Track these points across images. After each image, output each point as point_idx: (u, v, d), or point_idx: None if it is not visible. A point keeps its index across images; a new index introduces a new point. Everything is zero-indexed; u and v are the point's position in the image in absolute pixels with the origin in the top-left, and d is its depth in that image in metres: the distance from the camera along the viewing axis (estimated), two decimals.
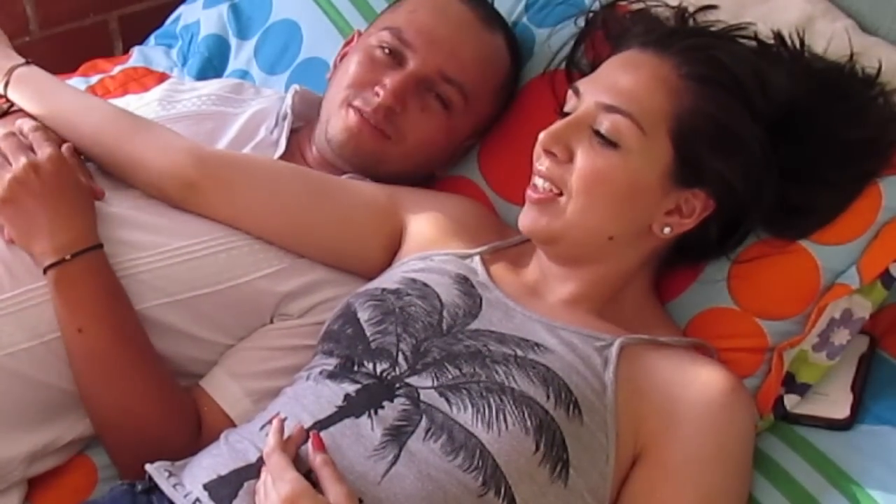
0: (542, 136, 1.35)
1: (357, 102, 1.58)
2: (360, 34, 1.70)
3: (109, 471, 1.45)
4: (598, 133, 1.33)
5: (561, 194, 1.34)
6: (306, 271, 1.51)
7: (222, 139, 1.66)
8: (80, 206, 1.43)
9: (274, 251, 1.50)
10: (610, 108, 1.33)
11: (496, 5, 1.72)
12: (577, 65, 1.58)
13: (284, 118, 1.68)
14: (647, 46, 1.38)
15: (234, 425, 1.40)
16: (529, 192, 1.36)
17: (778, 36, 1.46)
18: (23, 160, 1.41)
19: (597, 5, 1.63)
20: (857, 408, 1.42)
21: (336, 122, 1.59)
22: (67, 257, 1.38)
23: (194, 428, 1.42)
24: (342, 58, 1.68)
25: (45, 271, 1.39)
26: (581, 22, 1.61)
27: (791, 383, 1.43)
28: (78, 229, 1.40)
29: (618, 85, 1.34)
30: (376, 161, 1.59)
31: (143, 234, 1.47)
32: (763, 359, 1.42)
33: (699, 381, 1.30)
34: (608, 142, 1.32)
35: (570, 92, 1.39)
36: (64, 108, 1.55)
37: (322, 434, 1.21)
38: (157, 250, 1.46)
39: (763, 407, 1.40)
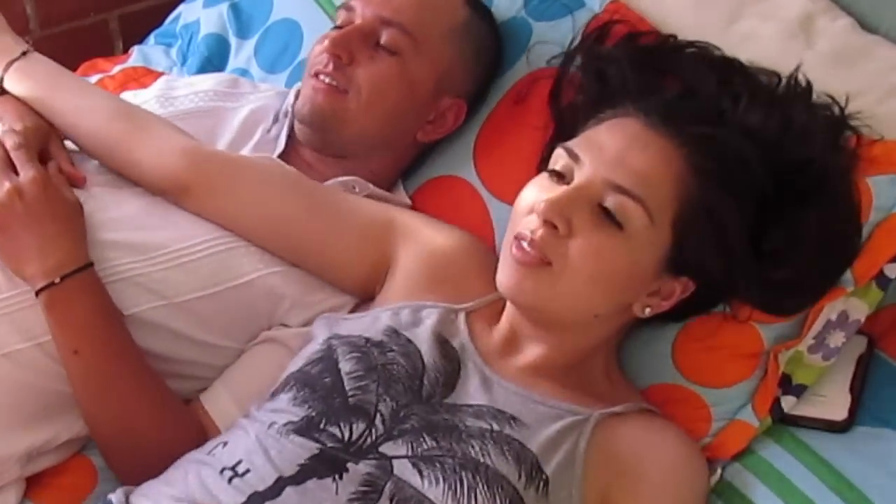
0: (543, 204, 1.28)
1: (311, 70, 1.60)
2: None
3: (110, 472, 1.45)
4: (604, 211, 1.28)
5: (550, 263, 1.29)
6: (302, 276, 1.51)
7: (222, 137, 1.66)
8: (68, 225, 1.41)
9: (269, 254, 1.50)
10: (620, 189, 1.28)
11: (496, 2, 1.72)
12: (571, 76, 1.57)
13: (286, 115, 1.67)
14: (650, 120, 1.33)
15: None
16: (515, 252, 1.30)
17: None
18: (6, 185, 1.40)
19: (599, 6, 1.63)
20: (855, 409, 1.42)
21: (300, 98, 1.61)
22: (57, 280, 1.37)
23: (197, 442, 1.40)
24: None
25: (37, 294, 1.38)
26: (577, 20, 1.62)
27: (787, 385, 1.43)
28: (66, 251, 1.39)
29: (627, 163, 1.30)
30: (340, 121, 1.58)
31: (140, 235, 1.47)
32: (759, 362, 1.41)
33: (663, 446, 1.31)
34: (614, 222, 1.28)
35: (560, 150, 1.35)
36: (63, 109, 1.55)
37: (288, 490, 1.20)
38: (155, 253, 1.46)
39: (761, 409, 1.41)
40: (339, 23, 1.64)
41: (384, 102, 1.59)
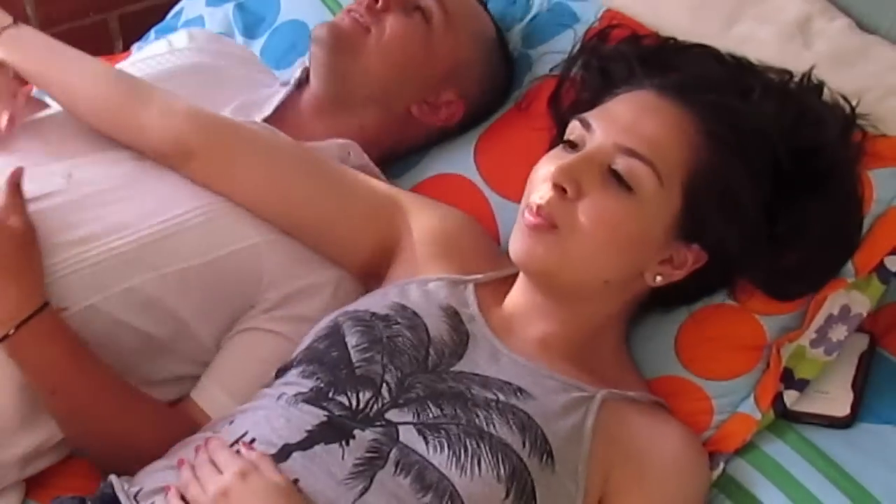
0: (554, 169, 1.29)
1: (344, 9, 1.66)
2: None
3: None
4: (614, 174, 1.29)
5: (558, 227, 1.30)
6: (289, 247, 1.50)
7: (214, 95, 1.65)
8: (15, 266, 1.34)
9: (259, 222, 1.50)
10: (630, 153, 1.29)
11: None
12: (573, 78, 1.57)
13: (284, 84, 1.70)
14: (665, 92, 1.35)
15: None
16: (527, 216, 1.31)
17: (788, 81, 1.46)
18: None
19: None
20: (857, 406, 1.43)
21: None
22: (11, 332, 1.32)
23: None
24: None
25: None
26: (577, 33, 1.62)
27: (790, 379, 1.43)
28: (16, 297, 1.33)
29: (638, 129, 1.31)
30: (352, 52, 1.62)
31: (127, 207, 1.47)
32: (761, 355, 1.42)
33: (669, 439, 1.33)
34: (624, 185, 1.29)
35: (574, 121, 1.36)
36: (59, 76, 1.54)
37: (294, 455, 1.21)
38: (143, 224, 1.45)
39: (763, 402, 1.41)
40: None
41: (399, 54, 1.62)
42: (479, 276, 1.43)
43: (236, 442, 1.24)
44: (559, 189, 1.29)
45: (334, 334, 1.34)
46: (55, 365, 1.35)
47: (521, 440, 1.24)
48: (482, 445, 1.22)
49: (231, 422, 1.30)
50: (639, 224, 1.30)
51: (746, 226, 1.34)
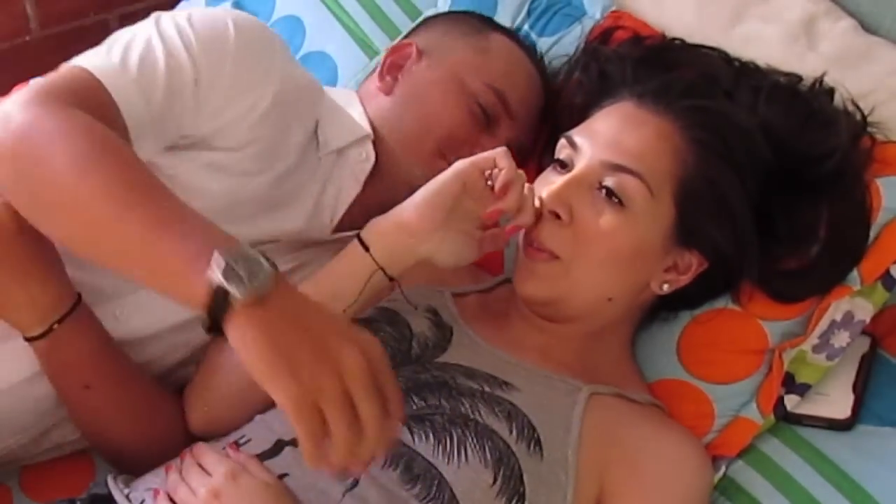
0: (546, 196, 1.30)
1: (453, 158, 1.36)
2: (415, 46, 1.55)
3: (107, 466, 1.44)
4: (605, 191, 1.29)
5: (558, 257, 1.30)
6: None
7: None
8: (47, 259, 1.31)
9: None
10: (618, 168, 1.29)
11: (499, 9, 1.73)
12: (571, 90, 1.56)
13: (362, 140, 1.52)
14: (643, 101, 1.35)
15: None
16: (528, 248, 1.32)
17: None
18: None
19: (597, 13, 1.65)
20: (858, 408, 1.43)
21: (427, 173, 1.38)
22: (55, 326, 1.30)
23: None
24: (396, 69, 1.55)
25: (30, 341, 1.31)
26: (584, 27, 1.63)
27: (791, 384, 1.43)
28: (55, 289, 1.31)
29: (622, 143, 1.31)
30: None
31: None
32: (763, 359, 1.42)
33: (668, 441, 1.32)
34: (615, 201, 1.29)
35: (562, 140, 1.36)
36: None
37: (286, 450, 1.22)
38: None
39: (765, 406, 1.41)
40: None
41: None
42: (455, 287, 1.45)
43: (232, 443, 1.25)
44: (553, 215, 1.30)
45: None
46: (90, 356, 1.34)
47: (507, 427, 1.24)
48: (467, 432, 1.22)
49: (237, 427, 1.31)
50: (635, 238, 1.30)
51: (739, 227, 1.34)
